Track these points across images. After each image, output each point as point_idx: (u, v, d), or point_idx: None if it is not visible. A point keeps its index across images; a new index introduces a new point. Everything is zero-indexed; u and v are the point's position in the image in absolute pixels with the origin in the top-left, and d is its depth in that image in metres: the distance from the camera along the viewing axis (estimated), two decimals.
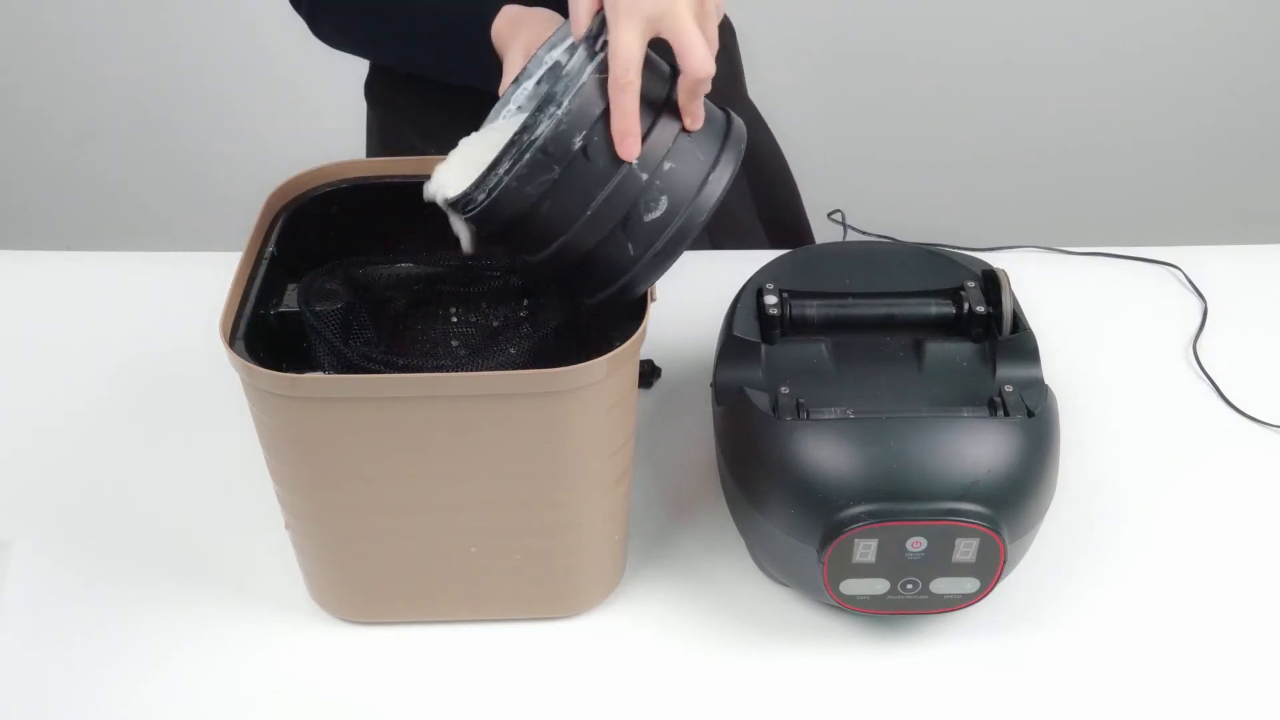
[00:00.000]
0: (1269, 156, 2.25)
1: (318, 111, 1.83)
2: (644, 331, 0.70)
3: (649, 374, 1.01)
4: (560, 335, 0.76)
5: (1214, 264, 1.15)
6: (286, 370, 0.67)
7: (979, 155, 2.25)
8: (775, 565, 0.81)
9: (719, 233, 1.24)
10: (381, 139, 1.20)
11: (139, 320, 1.09)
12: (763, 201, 1.27)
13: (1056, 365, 0.86)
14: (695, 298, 0.97)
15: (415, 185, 0.84)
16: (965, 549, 0.73)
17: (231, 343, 0.69)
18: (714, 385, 0.84)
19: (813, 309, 0.85)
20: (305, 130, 1.81)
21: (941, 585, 0.75)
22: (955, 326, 0.84)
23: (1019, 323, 0.82)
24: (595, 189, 0.67)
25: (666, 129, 0.68)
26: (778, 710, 0.76)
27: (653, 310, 0.72)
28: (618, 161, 0.67)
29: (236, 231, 0.81)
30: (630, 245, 0.68)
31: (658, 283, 0.75)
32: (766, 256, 0.93)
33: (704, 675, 0.79)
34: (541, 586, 0.80)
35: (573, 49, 0.69)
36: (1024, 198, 2.25)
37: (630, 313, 0.73)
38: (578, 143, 0.66)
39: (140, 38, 2.13)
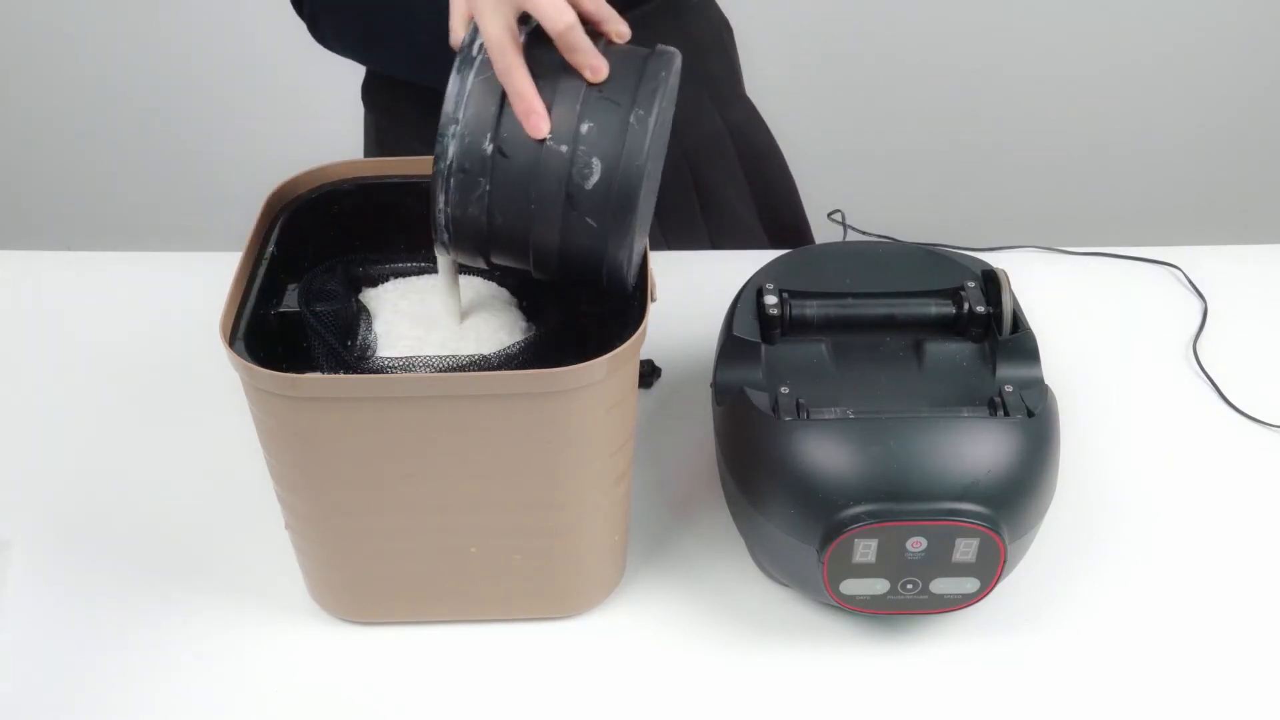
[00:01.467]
0: (1269, 157, 2.25)
1: (317, 112, 1.83)
2: (644, 331, 0.70)
3: (649, 374, 1.01)
4: (560, 335, 0.76)
5: (1214, 264, 1.15)
6: (286, 370, 0.67)
7: (979, 155, 2.25)
8: (775, 565, 0.81)
9: (718, 232, 1.24)
10: (379, 142, 1.20)
11: (139, 320, 1.09)
12: (762, 201, 1.27)
13: (1056, 365, 0.86)
14: (695, 298, 0.97)
15: (415, 185, 0.84)
16: (965, 549, 0.73)
17: (231, 343, 0.69)
18: (714, 385, 0.84)
19: (813, 309, 0.85)
20: (305, 130, 1.81)
21: (941, 585, 0.75)
22: (955, 326, 0.85)
23: (1019, 323, 0.82)
24: (526, 181, 0.66)
25: (571, 92, 0.66)
26: (778, 710, 0.76)
27: (653, 310, 0.72)
28: (534, 145, 0.65)
29: (236, 231, 0.81)
30: (590, 219, 0.66)
31: (658, 283, 0.75)
32: (766, 256, 0.93)
33: (704, 675, 0.79)
34: (541, 586, 0.80)
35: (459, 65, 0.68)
36: (1024, 198, 2.25)
37: (630, 313, 0.73)
38: (488, 147, 0.66)
39: (140, 38, 2.13)
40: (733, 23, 1.26)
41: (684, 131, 1.19)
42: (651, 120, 0.65)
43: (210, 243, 1.12)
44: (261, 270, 0.76)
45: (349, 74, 1.18)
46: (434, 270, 0.83)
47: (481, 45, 0.67)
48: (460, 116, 0.66)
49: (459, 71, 0.67)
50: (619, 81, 0.66)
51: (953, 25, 2.11)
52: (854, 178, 1.85)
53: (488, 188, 0.66)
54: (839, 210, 1.20)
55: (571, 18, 0.65)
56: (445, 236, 0.69)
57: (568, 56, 0.66)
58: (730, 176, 1.23)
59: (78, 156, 2.27)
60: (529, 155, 0.65)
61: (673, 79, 0.68)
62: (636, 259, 0.73)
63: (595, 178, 0.65)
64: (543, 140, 0.65)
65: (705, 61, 1.21)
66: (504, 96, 0.66)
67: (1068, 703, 0.77)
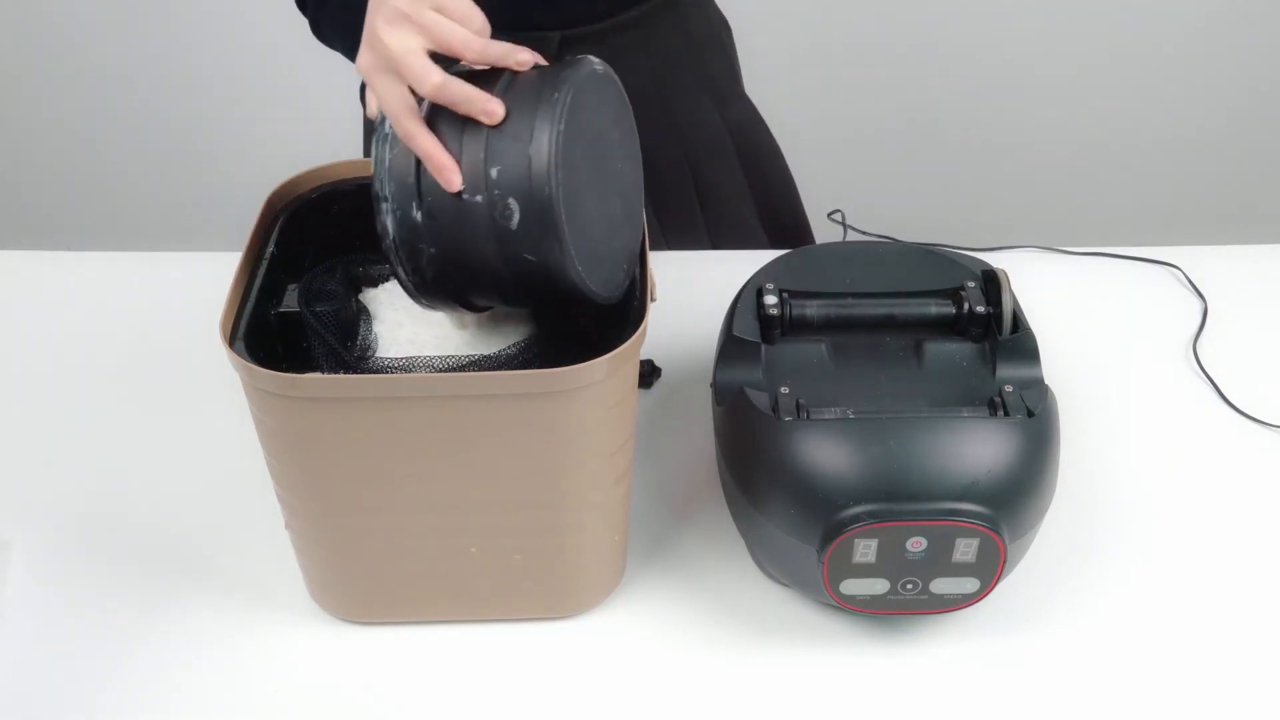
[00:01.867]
0: (1269, 157, 2.25)
1: (318, 111, 1.83)
2: (644, 331, 0.70)
3: (649, 374, 1.01)
4: (560, 335, 0.76)
5: (1214, 264, 1.15)
6: (286, 370, 0.67)
7: (979, 155, 2.25)
8: (775, 565, 0.81)
9: (718, 231, 1.24)
10: None
11: (139, 320, 1.09)
12: (761, 200, 1.27)
13: (1056, 365, 0.86)
14: (695, 298, 0.97)
15: None
16: (965, 549, 0.73)
17: (231, 343, 0.69)
18: (714, 385, 0.84)
19: (813, 309, 0.85)
20: (305, 130, 1.81)
21: (941, 585, 0.75)
22: (955, 326, 0.84)
23: (1019, 323, 0.82)
24: (461, 237, 0.67)
25: (474, 141, 0.67)
26: (778, 710, 0.76)
27: (653, 310, 0.72)
28: (454, 201, 0.67)
29: (236, 231, 0.81)
30: (526, 255, 0.67)
31: (658, 283, 0.75)
32: (766, 256, 0.93)
33: (704, 675, 0.79)
34: (541, 586, 0.80)
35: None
36: (1024, 198, 2.25)
37: (630, 313, 0.73)
38: (417, 215, 0.67)
39: (140, 38, 2.13)
40: (732, 22, 1.26)
41: (684, 131, 1.19)
42: (548, 148, 0.65)
43: (210, 243, 1.12)
44: (261, 270, 0.76)
45: (349, 74, 1.17)
46: None
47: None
48: (387, 193, 0.68)
49: (376, 148, 0.69)
50: (521, 115, 0.67)
51: (953, 25, 2.11)
52: (854, 178, 1.84)
53: (432, 250, 0.68)
54: (839, 210, 1.20)
55: (438, 78, 0.66)
56: (422, 303, 0.73)
57: (457, 110, 0.67)
58: (730, 175, 1.23)
59: (78, 156, 2.27)
60: (453, 212, 0.67)
61: (574, 93, 0.67)
62: (620, 269, 0.73)
63: (516, 216, 0.66)
64: (459, 193, 0.66)
65: (704, 60, 1.21)
66: (419, 162, 0.67)
67: (1068, 703, 0.77)
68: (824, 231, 1.28)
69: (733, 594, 0.84)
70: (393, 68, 0.68)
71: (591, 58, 0.71)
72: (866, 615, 0.81)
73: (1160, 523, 0.90)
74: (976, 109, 2.20)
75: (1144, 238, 1.20)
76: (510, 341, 0.76)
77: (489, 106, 0.66)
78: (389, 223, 0.68)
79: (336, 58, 1.13)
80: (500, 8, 0.75)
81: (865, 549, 0.73)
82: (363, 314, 0.79)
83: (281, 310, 0.77)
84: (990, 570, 0.74)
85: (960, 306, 0.84)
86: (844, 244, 1.05)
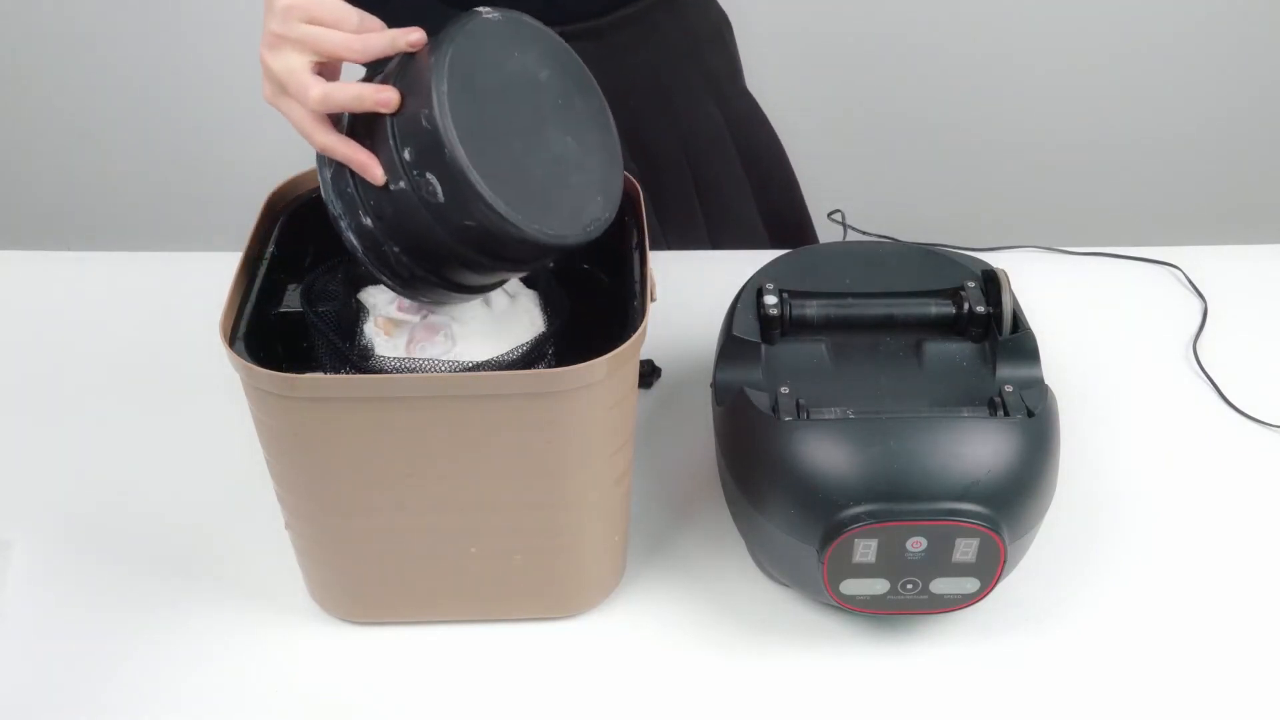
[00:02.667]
0: (1269, 157, 2.25)
1: None
2: (644, 331, 0.70)
3: (649, 374, 1.01)
4: (560, 335, 0.76)
5: (1214, 264, 1.15)
6: (286, 370, 0.67)
7: (979, 155, 2.25)
8: (775, 565, 0.81)
9: (718, 226, 1.24)
10: None
11: (139, 320, 1.09)
12: (762, 196, 1.27)
13: (1056, 365, 0.86)
14: (695, 298, 0.97)
15: None
16: (965, 549, 0.73)
17: (231, 343, 0.69)
18: (714, 385, 0.84)
19: (813, 309, 0.85)
20: None
21: (941, 585, 0.75)
22: (955, 326, 0.84)
23: (1019, 323, 0.82)
24: (408, 227, 0.68)
25: (382, 132, 0.67)
26: (778, 710, 0.76)
27: (653, 310, 0.72)
28: (388, 198, 0.68)
29: (236, 231, 0.81)
30: (468, 223, 0.67)
31: (658, 283, 0.75)
32: (766, 256, 0.93)
33: (704, 675, 0.79)
34: (541, 587, 0.80)
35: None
36: (1024, 198, 2.25)
37: (630, 313, 0.73)
38: (367, 221, 0.69)
39: (140, 37, 2.13)
40: (732, 19, 1.26)
41: (683, 126, 1.19)
42: (438, 110, 0.65)
43: (210, 243, 1.12)
44: (261, 270, 0.76)
45: (348, 74, 1.18)
46: None
47: None
48: (339, 210, 0.70)
49: (319, 173, 0.71)
50: (415, 90, 0.67)
51: (953, 25, 2.10)
52: (854, 178, 1.85)
53: (395, 249, 0.69)
54: (839, 210, 1.20)
55: (317, 92, 0.68)
56: (420, 299, 0.74)
57: (355, 110, 0.68)
58: (730, 171, 1.23)
59: (78, 156, 2.27)
60: (392, 206, 0.68)
61: (454, 50, 0.66)
62: (589, 205, 0.71)
63: (439, 189, 0.66)
64: (386, 185, 0.67)
65: (704, 56, 1.21)
66: (352, 171, 0.69)
67: (1068, 703, 0.77)
68: (824, 231, 1.28)
69: (733, 594, 0.84)
70: (286, 91, 0.69)
71: (482, 9, 0.70)
72: (866, 615, 0.81)
73: (1160, 523, 0.90)
74: (977, 109, 2.20)
75: (1144, 238, 1.20)
76: (512, 345, 0.76)
77: (380, 96, 0.67)
78: (351, 237, 0.70)
79: None
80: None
81: (865, 549, 0.73)
82: (364, 314, 0.79)
83: (282, 310, 0.77)
84: (990, 570, 0.74)
85: (960, 306, 0.84)
86: (844, 244, 1.05)
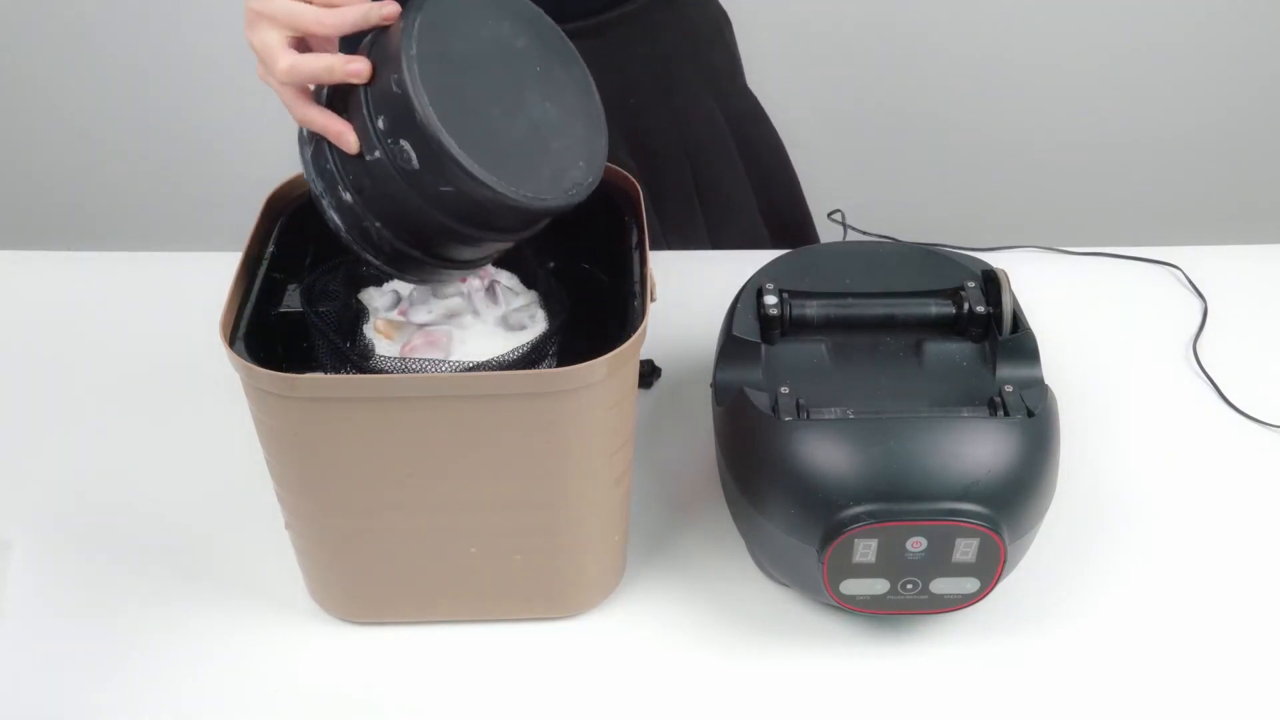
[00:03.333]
0: (1269, 156, 2.25)
1: None
2: (644, 331, 0.70)
3: (649, 374, 1.01)
4: (560, 335, 0.76)
5: (1214, 264, 1.15)
6: (286, 370, 0.67)
7: (979, 155, 2.25)
8: (775, 565, 0.81)
9: (717, 223, 1.24)
10: None
11: (139, 320, 1.09)
12: (762, 194, 1.27)
13: (1056, 365, 0.86)
14: (695, 298, 0.97)
15: None
16: (965, 549, 0.73)
17: (231, 343, 0.69)
18: (714, 385, 0.84)
19: (813, 309, 0.85)
20: None
21: (941, 585, 0.75)
22: (955, 326, 0.84)
23: (1019, 323, 0.82)
24: (386, 198, 0.68)
25: (356, 102, 0.68)
26: (778, 710, 0.76)
27: (653, 310, 0.72)
28: (365, 170, 0.68)
29: (236, 231, 0.81)
30: (443, 188, 0.67)
31: (658, 283, 0.75)
32: (766, 256, 0.93)
33: (704, 675, 0.79)
34: (541, 587, 0.80)
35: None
36: (1024, 198, 2.25)
37: (630, 313, 0.73)
38: (347, 196, 0.69)
39: (140, 37, 2.13)
40: (731, 16, 1.26)
41: (683, 122, 1.19)
42: (409, 76, 0.65)
43: (210, 243, 1.12)
44: (261, 270, 0.76)
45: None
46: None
47: None
48: (320, 188, 0.70)
49: (300, 152, 0.71)
50: (385, 63, 0.67)
51: (953, 24, 2.10)
52: (854, 178, 1.84)
53: (377, 224, 0.69)
54: (839, 210, 1.20)
55: (284, 63, 0.69)
56: (406, 277, 0.74)
57: (326, 83, 0.69)
58: (730, 168, 1.23)
59: (78, 156, 2.27)
60: (369, 177, 0.68)
61: (422, 16, 0.67)
62: (572, 169, 0.71)
63: (414, 156, 0.66)
64: (363, 156, 0.67)
65: (704, 53, 1.21)
66: (330, 146, 0.69)
67: (1068, 703, 0.77)
68: (824, 231, 1.28)
69: (733, 594, 0.84)
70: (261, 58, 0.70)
71: None
72: (866, 615, 0.81)
73: (1160, 523, 0.90)
74: (977, 109, 2.20)
75: (1144, 238, 1.20)
76: (514, 346, 0.76)
77: (350, 67, 0.67)
78: (333, 215, 0.70)
79: None
80: None
81: (865, 549, 0.73)
82: (364, 313, 0.79)
83: (282, 310, 0.77)
84: (990, 570, 0.74)
85: (960, 306, 0.84)
86: (844, 244, 1.05)
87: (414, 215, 0.68)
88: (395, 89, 0.65)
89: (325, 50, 0.72)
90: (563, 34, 0.75)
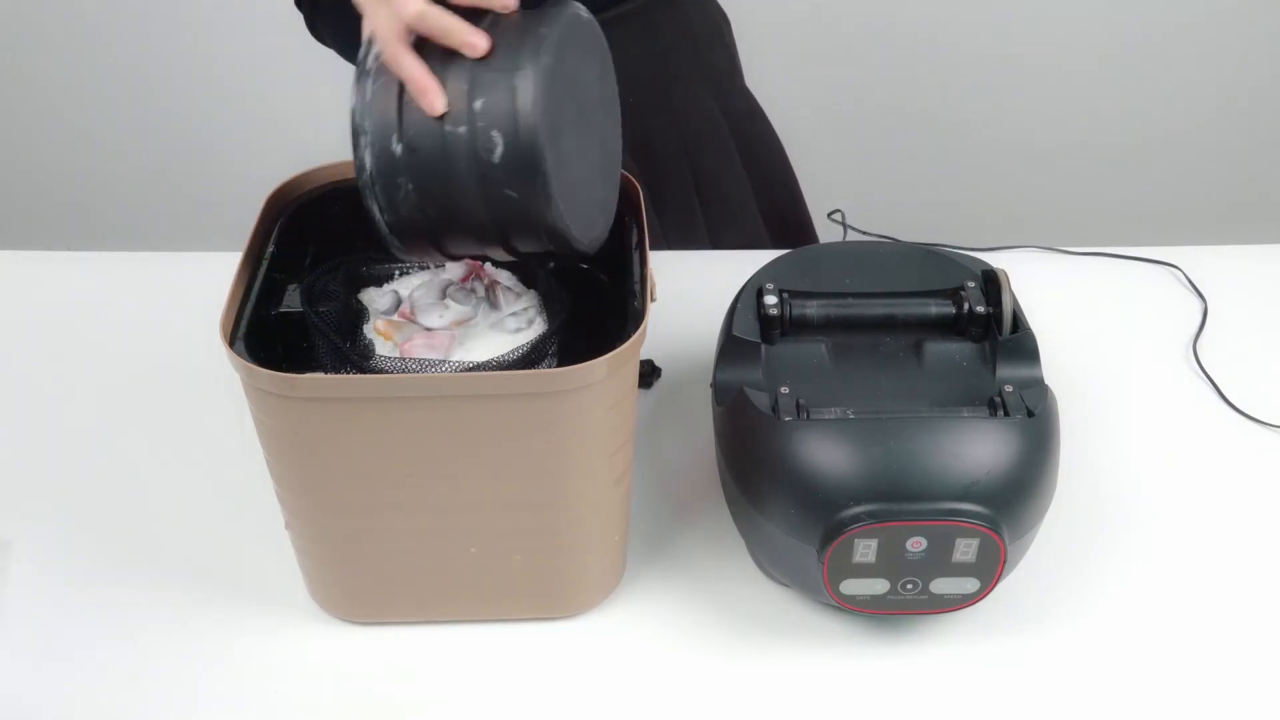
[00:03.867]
0: (1269, 157, 2.25)
1: (318, 111, 1.83)
2: (644, 331, 0.70)
3: (649, 374, 1.01)
4: (560, 335, 0.76)
5: (1214, 264, 1.15)
6: (286, 370, 0.67)
7: (979, 155, 2.25)
8: (775, 565, 0.81)
9: (717, 224, 1.24)
10: None
11: (139, 320, 1.09)
12: (762, 193, 1.27)
13: (1056, 365, 0.86)
14: (695, 298, 0.97)
15: None
16: (965, 549, 0.73)
17: (231, 343, 0.69)
18: (714, 385, 0.84)
19: (813, 309, 0.85)
20: (305, 130, 1.81)
21: (941, 585, 0.75)
22: (955, 326, 0.84)
23: (1019, 323, 0.82)
24: (440, 170, 0.67)
25: (459, 73, 0.66)
26: (778, 710, 0.76)
27: (653, 310, 0.72)
28: (437, 133, 0.66)
29: (236, 231, 0.81)
30: (508, 191, 0.66)
31: (658, 283, 0.75)
32: (766, 256, 0.93)
33: (704, 675, 0.79)
34: (541, 587, 0.80)
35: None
36: (1024, 198, 2.25)
37: (630, 313, 0.73)
38: (397, 147, 0.67)
39: (140, 37, 2.13)
40: (731, 16, 1.26)
41: (683, 121, 1.19)
42: (534, 79, 0.65)
43: (210, 243, 1.12)
44: (261, 270, 0.76)
45: (348, 73, 1.18)
46: (430, 268, 0.83)
47: (376, 54, 0.68)
48: (366, 126, 0.67)
49: (358, 84, 0.68)
50: (505, 50, 0.66)
51: (953, 24, 2.10)
52: (854, 178, 1.84)
53: (410, 186, 0.67)
54: (839, 210, 1.20)
55: (417, 6, 0.66)
56: (395, 244, 0.71)
57: (441, 41, 0.67)
58: (729, 167, 1.24)
59: (78, 156, 2.27)
60: (435, 143, 0.66)
61: (561, 31, 0.67)
62: (598, 221, 0.72)
63: (500, 149, 0.65)
64: (441, 119, 0.66)
65: (703, 52, 1.21)
66: (401, 95, 0.67)
67: (1068, 703, 0.77)
68: (824, 231, 1.28)
69: (733, 594, 0.84)
70: (393, 5, 0.67)
71: (576, 3, 0.70)
72: (866, 615, 0.81)
73: (1160, 523, 0.90)
74: (977, 108, 2.20)
75: (1144, 238, 1.20)
76: (514, 346, 0.76)
77: (471, 39, 0.66)
78: (366, 157, 0.67)
79: (336, 57, 1.13)
80: None
81: (865, 549, 0.73)
82: (364, 313, 0.79)
83: (282, 310, 0.77)
84: (990, 570, 0.74)
85: (960, 306, 0.84)
86: (844, 244, 1.05)
87: (456, 198, 0.67)
88: (516, 85, 0.64)
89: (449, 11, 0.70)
90: (616, 87, 0.75)
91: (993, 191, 2.27)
